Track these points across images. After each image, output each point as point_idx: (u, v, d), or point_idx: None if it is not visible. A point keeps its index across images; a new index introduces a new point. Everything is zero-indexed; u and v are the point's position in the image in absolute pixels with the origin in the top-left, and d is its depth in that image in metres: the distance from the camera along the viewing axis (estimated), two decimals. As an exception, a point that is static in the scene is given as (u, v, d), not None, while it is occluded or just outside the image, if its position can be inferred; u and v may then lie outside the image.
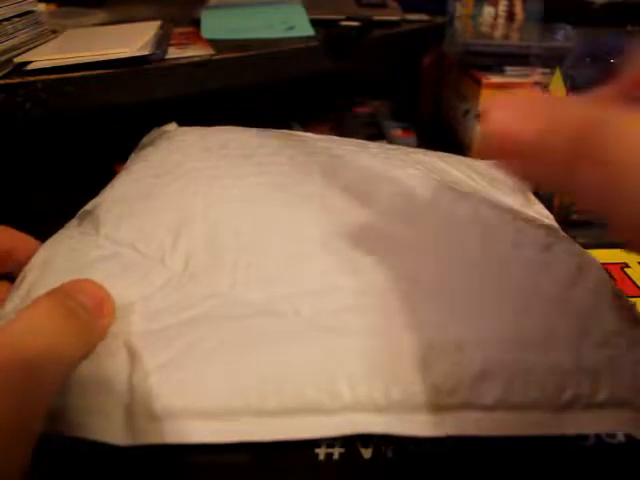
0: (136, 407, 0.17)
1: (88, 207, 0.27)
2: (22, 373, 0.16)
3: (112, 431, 0.17)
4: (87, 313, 0.19)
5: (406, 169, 0.28)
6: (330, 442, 0.17)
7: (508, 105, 0.15)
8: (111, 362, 0.18)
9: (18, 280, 0.22)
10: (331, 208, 0.25)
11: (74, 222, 0.26)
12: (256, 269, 0.22)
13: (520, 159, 0.15)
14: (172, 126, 0.36)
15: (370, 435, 0.17)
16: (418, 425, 0.17)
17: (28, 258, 0.24)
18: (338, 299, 0.20)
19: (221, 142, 0.31)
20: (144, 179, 0.28)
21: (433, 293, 0.20)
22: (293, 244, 0.23)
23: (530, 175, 0.16)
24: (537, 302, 0.20)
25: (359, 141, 0.35)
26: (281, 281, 0.21)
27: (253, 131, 0.34)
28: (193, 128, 0.34)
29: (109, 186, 0.28)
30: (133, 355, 0.18)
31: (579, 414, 0.17)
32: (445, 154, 0.33)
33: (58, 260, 0.23)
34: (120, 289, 0.21)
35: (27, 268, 0.23)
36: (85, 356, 0.18)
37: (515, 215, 0.26)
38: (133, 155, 0.33)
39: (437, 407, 0.17)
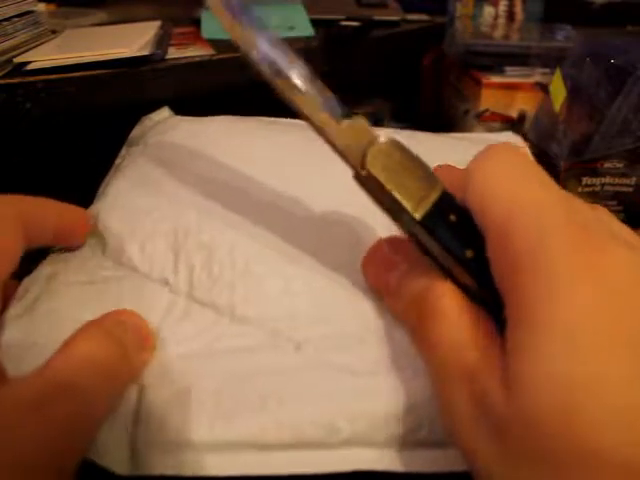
0: (140, 438, 0.17)
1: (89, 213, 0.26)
2: (71, 407, 0.15)
3: (116, 459, 0.17)
4: (132, 346, 0.19)
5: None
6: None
7: (379, 253, 0.20)
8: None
9: (20, 290, 0.22)
10: (326, 226, 0.24)
11: None
12: (255, 291, 0.22)
13: (386, 297, 0.20)
14: (164, 113, 0.35)
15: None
16: (421, 460, 0.17)
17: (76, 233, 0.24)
18: (335, 328, 0.20)
19: (216, 136, 0.30)
20: (139, 186, 0.27)
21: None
22: (291, 258, 0.23)
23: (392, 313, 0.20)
24: None
25: None
26: (280, 308, 0.21)
27: (251, 122, 0.33)
28: (186, 119, 0.33)
29: (107, 192, 0.27)
30: (141, 388, 0.18)
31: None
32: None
33: (64, 275, 0.23)
34: None
35: (29, 280, 0.22)
36: (125, 389, 0.18)
37: None
38: (124, 151, 0.32)
39: (439, 443, 0.17)
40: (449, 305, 0.16)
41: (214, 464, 0.17)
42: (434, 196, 0.17)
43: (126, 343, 0.18)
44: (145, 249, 0.23)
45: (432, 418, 0.17)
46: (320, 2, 0.60)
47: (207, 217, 0.24)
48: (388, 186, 0.16)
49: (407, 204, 0.16)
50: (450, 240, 0.16)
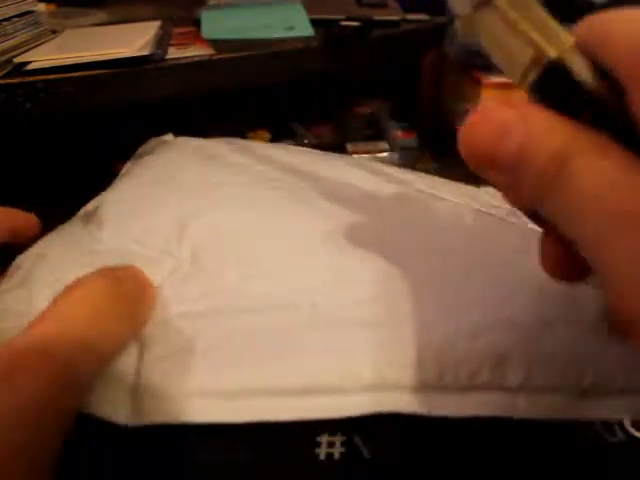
0: (143, 388, 0.17)
1: (89, 207, 0.27)
2: (69, 354, 0.15)
3: (117, 409, 0.16)
4: (133, 298, 0.18)
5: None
6: (331, 442, 0.17)
7: (487, 113, 0.15)
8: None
9: (11, 268, 0.22)
10: (331, 211, 0.25)
11: (75, 221, 0.26)
12: (267, 263, 0.22)
13: (497, 173, 0.15)
14: (169, 137, 0.36)
15: (371, 433, 0.17)
16: (443, 404, 0.17)
17: (29, 237, 0.23)
18: (352, 292, 0.20)
19: (222, 151, 0.31)
20: (145, 184, 0.27)
21: (439, 287, 0.20)
22: (300, 240, 0.23)
23: (505, 192, 0.15)
24: (534, 286, 0.20)
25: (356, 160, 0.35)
26: (293, 274, 0.21)
27: (254, 145, 0.34)
28: (192, 138, 0.34)
29: (109, 189, 0.28)
30: (142, 343, 0.18)
31: (599, 400, 0.17)
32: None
33: (56, 251, 0.23)
34: None
35: (21, 257, 0.22)
36: (127, 342, 0.18)
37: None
38: (129, 163, 0.33)
39: (461, 388, 0.17)
40: (589, 178, 0.13)
41: (222, 410, 0.16)
42: (571, 40, 0.14)
43: (127, 294, 0.18)
44: (148, 230, 0.23)
45: (458, 362, 0.17)
46: (320, 2, 0.60)
47: (211, 206, 0.25)
48: (521, 24, 0.14)
49: (542, 41, 0.14)
50: (593, 86, 0.14)
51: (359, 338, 0.18)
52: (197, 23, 0.54)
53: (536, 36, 0.14)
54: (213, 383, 0.17)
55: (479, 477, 0.17)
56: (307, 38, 0.51)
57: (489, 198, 0.29)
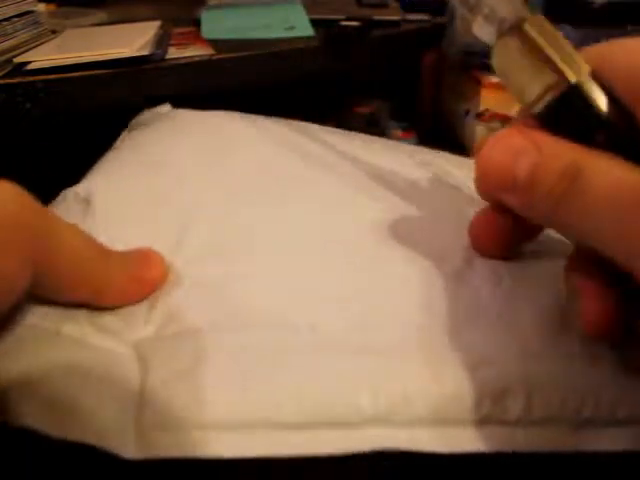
0: (147, 419, 0.16)
1: (80, 191, 0.25)
2: None
3: (119, 441, 0.16)
4: (134, 263, 0.19)
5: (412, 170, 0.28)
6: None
7: (501, 141, 0.16)
8: (120, 369, 0.17)
9: None
10: (335, 207, 0.24)
11: (70, 204, 0.25)
12: (267, 271, 0.21)
13: (511, 194, 0.16)
14: (166, 107, 0.35)
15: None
16: (442, 440, 0.16)
17: None
18: (351, 315, 0.19)
19: (219, 128, 0.30)
20: (142, 167, 0.26)
21: (438, 309, 0.20)
22: (299, 245, 0.22)
23: (518, 210, 0.17)
24: (534, 313, 0.20)
25: (365, 137, 0.34)
26: (293, 287, 0.20)
27: (252, 118, 0.33)
28: (188, 111, 0.33)
29: (101, 167, 0.27)
30: (144, 363, 0.17)
31: (597, 431, 0.17)
32: (450, 156, 0.32)
33: None
34: None
35: None
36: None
37: None
38: (124, 134, 0.32)
39: (461, 422, 0.17)
40: (603, 180, 0.14)
41: (229, 445, 0.16)
42: (587, 67, 0.16)
43: (126, 261, 0.19)
44: (144, 238, 0.22)
45: (462, 397, 0.17)
46: (320, 2, 0.60)
47: (212, 203, 0.24)
48: (547, 49, 0.16)
49: (564, 67, 0.16)
50: (606, 111, 0.15)
51: (360, 364, 0.18)
52: (197, 23, 0.54)
53: (559, 62, 0.16)
54: (216, 414, 0.16)
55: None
56: (307, 38, 0.51)
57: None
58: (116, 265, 0.19)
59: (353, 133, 0.35)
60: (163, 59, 0.45)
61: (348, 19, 0.55)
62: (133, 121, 0.34)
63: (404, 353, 0.18)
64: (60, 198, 0.25)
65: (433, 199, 0.26)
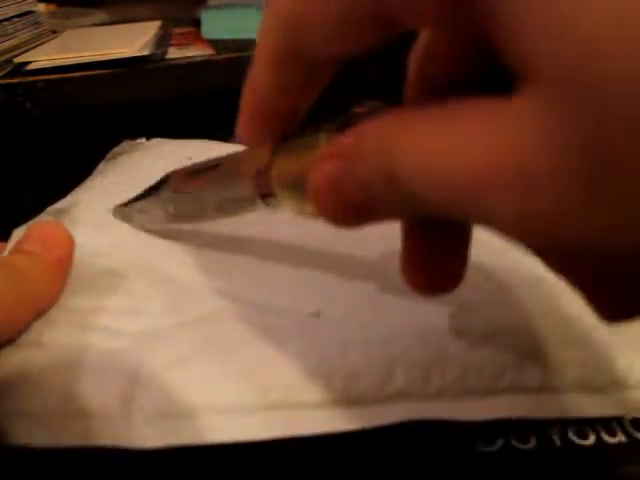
0: (149, 407, 0.16)
1: (60, 206, 0.25)
2: None
3: (113, 431, 0.16)
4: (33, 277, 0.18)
5: None
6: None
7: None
8: (117, 361, 0.17)
9: None
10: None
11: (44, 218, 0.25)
12: (251, 284, 0.21)
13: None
14: (142, 140, 0.35)
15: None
16: (469, 409, 0.17)
17: None
18: (355, 305, 0.20)
19: (198, 154, 0.31)
20: (120, 185, 0.26)
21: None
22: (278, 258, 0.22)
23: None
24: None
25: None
26: (291, 290, 0.20)
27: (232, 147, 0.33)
28: (166, 140, 0.34)
29: (83, 187, 0.27)
30: (141, 355, 0.17)
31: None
32: None
33: None
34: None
35: None
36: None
37: None
38: (102, 164, 0.32)
39: (485, 392, 0.17)
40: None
41: (242, 427, 0.16)
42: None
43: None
44: (120, 246, 0.22)
45: (480, 365, 0.17)
46: (320, 2, 0.60)
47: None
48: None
49: None
50: None
51: (370, 338, 0.18)
52: (197, 23, 0.54)
53: None
54: (227, 397, 0.16)
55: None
56: (307, 38, 0.51)
57: None
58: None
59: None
60: (163, 59, 0.45)
61: (348, 19, 0.55)
62: (111, 152, 0.34)
63: (417, 332, 0.18)
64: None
65: None
